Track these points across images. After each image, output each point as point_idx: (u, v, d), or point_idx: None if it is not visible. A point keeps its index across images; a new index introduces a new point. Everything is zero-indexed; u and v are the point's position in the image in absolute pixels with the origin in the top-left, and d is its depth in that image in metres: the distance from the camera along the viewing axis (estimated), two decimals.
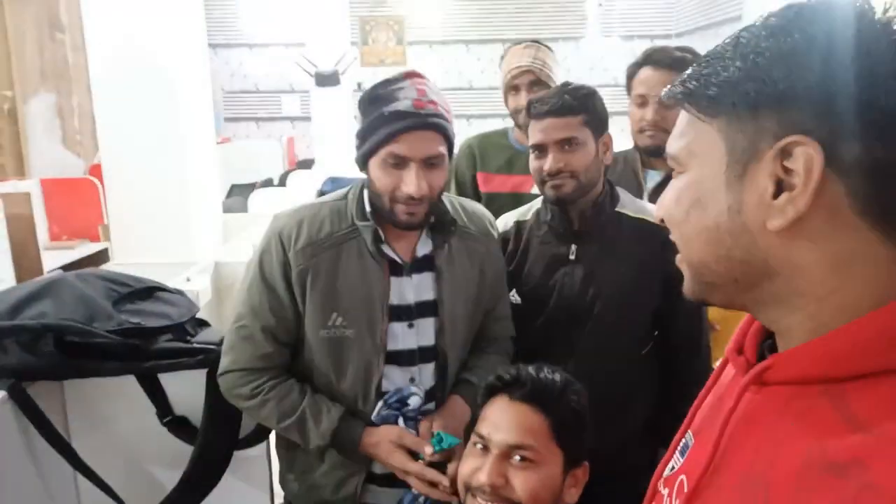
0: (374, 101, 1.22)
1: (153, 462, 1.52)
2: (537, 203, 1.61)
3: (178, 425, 1.47)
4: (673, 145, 0.59)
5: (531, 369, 1.07)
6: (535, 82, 1.94)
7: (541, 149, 1.46)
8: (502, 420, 1.02)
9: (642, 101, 1.74)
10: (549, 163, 1.44)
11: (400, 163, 1.21)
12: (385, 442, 1.26)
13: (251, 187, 5.29)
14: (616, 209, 1.52)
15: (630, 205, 1.54)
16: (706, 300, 0.60)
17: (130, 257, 2.66)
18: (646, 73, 1.74)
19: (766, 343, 0.60)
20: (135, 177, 2.69)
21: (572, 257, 1.51)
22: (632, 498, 0.90)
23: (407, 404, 1.31)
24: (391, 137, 1.19)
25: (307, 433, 1.28)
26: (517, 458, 1.00)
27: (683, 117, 0.58)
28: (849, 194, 0.48)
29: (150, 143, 2.65)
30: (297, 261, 1.26)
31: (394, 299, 1.31)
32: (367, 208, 1.30)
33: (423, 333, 1.35)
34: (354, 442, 1.28)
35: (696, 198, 0.56)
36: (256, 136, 8.01)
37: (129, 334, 1.31)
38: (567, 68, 7.68)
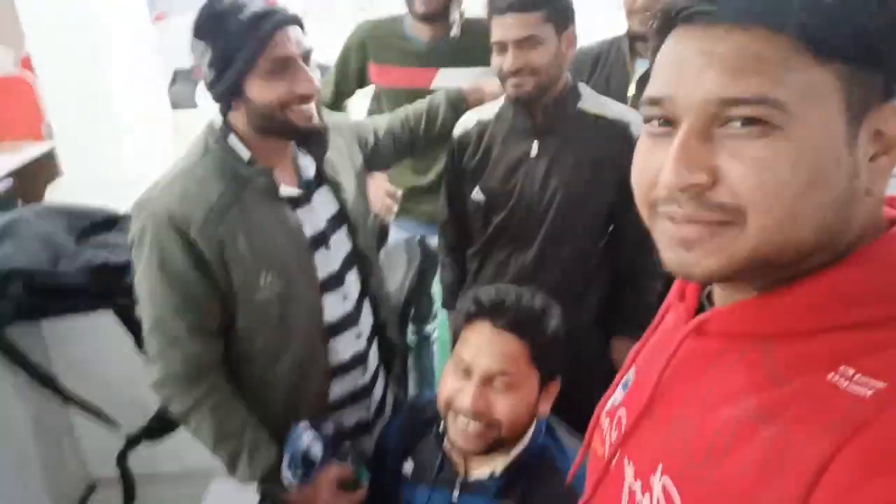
0: (219, 19, 1.10)
1: (137, 389, 1.52)
2: (500, 101, 1.60)
3: None
4: (765, 85, 0.44)
5: (513, 295, 1.09)
6: None
7: (502, 46, 1.43)
8: (485, 347, 1.05)
9: None
10: (508, 61, 1.41)
11: (282, 66, 1.12)
12: (323, 488, 1.23)
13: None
14: (578, 106, 1.51)
15: (592, 101, 1.53)
16: (728, 279, 0.52)
17: (82, 172, 2.54)
18: None
19: (706, 291, 0.61)
20: (68, 73, 2.51)
21: (534, 154, 1.52)
22: (584, 396, 0.96)
23: (311, 462, 1.24)
24: (265, 41, 1.09)
25: (238, 464, 1.21)
26: (498, 383, 1.04)
27: (766, 48, 0.45)
28: None
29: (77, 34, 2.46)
30: (205, 235, 1.12)
31: (308, 231, 1.24)
32: (245, 154, 1.18)
33: (339, 247, 1.32)
34: (286, 488, 1.22)
35: (819, 164, 0.45)
36: (196, 7, 7.36)
37: (99, 273, 1.30)
38: None
